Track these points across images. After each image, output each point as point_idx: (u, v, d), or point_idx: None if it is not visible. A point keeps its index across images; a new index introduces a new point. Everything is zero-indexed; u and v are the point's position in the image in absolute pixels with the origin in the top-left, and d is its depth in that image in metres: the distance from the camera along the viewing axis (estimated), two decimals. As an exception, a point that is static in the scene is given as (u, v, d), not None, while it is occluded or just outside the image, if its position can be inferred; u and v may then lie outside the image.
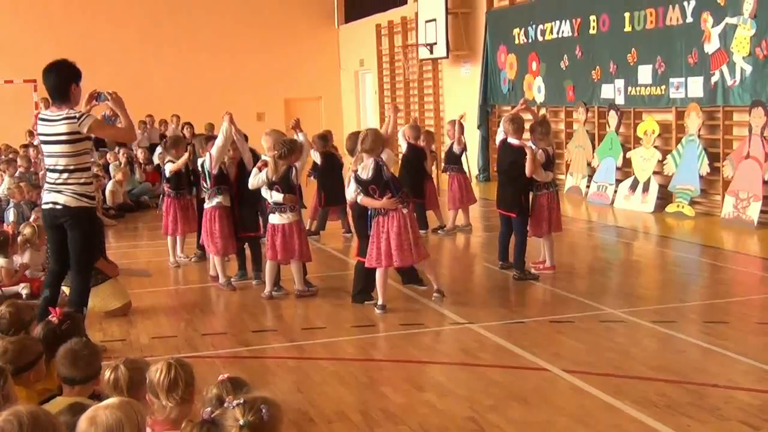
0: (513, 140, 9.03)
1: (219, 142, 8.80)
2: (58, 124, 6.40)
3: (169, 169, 10.11)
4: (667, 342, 6.72)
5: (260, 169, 8.34)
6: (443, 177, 12.65)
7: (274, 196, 8.26)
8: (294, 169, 8.24)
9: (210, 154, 8.86)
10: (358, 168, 7.68)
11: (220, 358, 6.64)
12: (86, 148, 6.57)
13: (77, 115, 6.41)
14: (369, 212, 7.69)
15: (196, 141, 9.72)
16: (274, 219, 8.29)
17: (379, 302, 7.81)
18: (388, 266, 7.71)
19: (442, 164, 12.39)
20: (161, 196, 10.51)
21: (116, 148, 17.91)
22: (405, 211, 7.61)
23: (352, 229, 9.54)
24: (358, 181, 7.64)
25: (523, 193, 8.98)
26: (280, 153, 8.22)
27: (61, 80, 6.47)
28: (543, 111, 16.88)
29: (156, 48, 26.09)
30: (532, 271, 9.07)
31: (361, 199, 7.68)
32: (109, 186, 15.22)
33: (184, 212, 10.29)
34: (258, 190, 8.41)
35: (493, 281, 9.08)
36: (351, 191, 7.73)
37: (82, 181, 6.50)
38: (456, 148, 11.85)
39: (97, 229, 7.75)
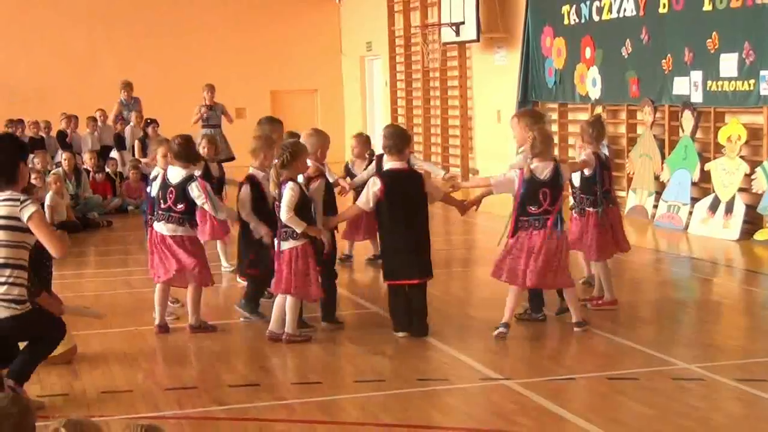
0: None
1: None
2: None
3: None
4: (756, 406, 6.71)
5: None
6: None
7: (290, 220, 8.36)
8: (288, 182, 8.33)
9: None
10: (532, 167, 8.35)
11: (188, 420, 6.64)
12: (24, 242, 6.61)
13: (21, 198, 6.53)
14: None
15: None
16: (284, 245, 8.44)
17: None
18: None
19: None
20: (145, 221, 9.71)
21: (60, 152, 18.01)
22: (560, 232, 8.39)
23: None
24: (532, 180, 8.29)
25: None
26: (282, 160, 8.31)
27: (7, 157, 6.61)
28: (598, 110, 16.94)
29: (107, 27, 26.21)
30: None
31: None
32: (48, 198, 15.28)
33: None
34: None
35: (534, 327, 9.06)
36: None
37: (18, 280, 6.58)
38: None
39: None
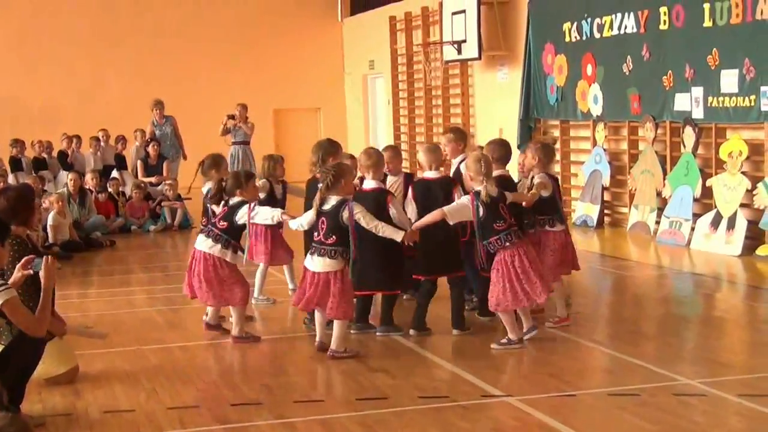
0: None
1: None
2: None
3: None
4: (758, 421, 6.69)
5: None
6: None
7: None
8: (347, 204, 8.39)
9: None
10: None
11: (189, 439, 6.66)
12: None
13: None
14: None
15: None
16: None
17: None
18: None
19: None
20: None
21: (62, 173, 18.03)
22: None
23: None
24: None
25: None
26: (325, 183, 8.42)
27: None
28: (601, 130, 16.95)
29: (112, 47, 26.34)
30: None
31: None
32: (50, 219, 15.30)
33: None
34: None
35: (536, 342, 9.06)
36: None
37: None
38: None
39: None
